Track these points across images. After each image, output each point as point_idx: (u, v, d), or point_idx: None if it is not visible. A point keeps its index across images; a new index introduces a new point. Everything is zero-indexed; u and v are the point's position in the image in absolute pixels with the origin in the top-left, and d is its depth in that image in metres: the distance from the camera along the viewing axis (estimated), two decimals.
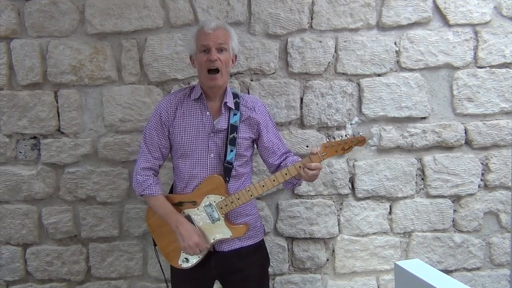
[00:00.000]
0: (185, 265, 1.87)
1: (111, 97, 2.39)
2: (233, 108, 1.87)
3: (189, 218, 1.86)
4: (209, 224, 1.85)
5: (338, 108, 2.43)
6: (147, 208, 1.97)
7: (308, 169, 1.75)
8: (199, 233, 1.83)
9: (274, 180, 1.81)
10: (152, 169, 1.91)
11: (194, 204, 1.85)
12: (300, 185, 2.00)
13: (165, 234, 1.89)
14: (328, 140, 1.83)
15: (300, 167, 1.78)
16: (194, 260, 1.86)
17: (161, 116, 1.87)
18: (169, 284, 2.05)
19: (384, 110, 2.43)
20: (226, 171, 1.85)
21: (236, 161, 1.86)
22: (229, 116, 1.87)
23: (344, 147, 1.81)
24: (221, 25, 1.82)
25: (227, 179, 1.85)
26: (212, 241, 1.86)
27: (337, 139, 1.81)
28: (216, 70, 1.78)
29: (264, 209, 2.46)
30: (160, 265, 2.07)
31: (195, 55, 1.85)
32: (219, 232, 1.85)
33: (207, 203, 1.84)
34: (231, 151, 1.84)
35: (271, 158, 1.96)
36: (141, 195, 1.91)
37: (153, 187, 1.88)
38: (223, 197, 1.83)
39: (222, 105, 1.87)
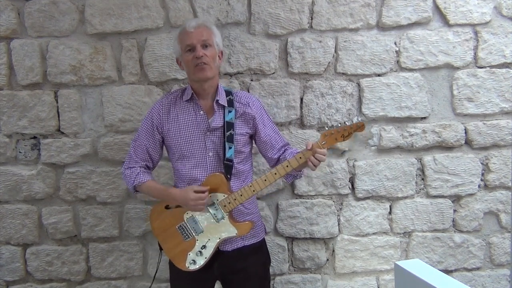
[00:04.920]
0: (193, 267, 1.86)
1: (111, 97, 2.39)
2: (226, 105, 1.87)
3: (193, 218, 1.86)
4: (214, 223, 1.85)
5: (338, 108, 2.43)
6: (150, 212, 1.97)
7: (317, 153, 1.74)
8: (194, 187, 1.82)
9: (275, 173, 1.80)
10: (136, 167, 1.93)
11: None
12: (301, 177, 1.98)
13: (170, 237, 1.89)
14: (326, 128, 1.80)
15: (300, 157, 1.77)
16: (201, 261, 1.85)
17: (152, 119, 1.89)
18: (161, 285, 2.04)
19: (384, 110, 2.43)
20: (227, 168, 1.85)
21: (235, 158, 1.86)
22: (224, 114, 1.87)
23: (343, 134, 1.79)
24: (202, 23, 1.84)
25: (229, 176, 1.85)
26: (218, 240, 1.85)
27: (336, 127, 1.79)
28: (204, 64, 1.78)
29: (264, 209, 2.46)
30: (157, 269, 2.06)
31: (181, 56, 1.85)
32: (224, 231, 1.85)
33: (210, 202, 1.84)
34: (230, 148, 1.84)
35: (269, 152, 1.96)
36: (134, 188, 1.92)
37: (141, 175, 1.90)
38: (226, 195, 1.83)
39: (214, 103, 1.87)
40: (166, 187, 1.93)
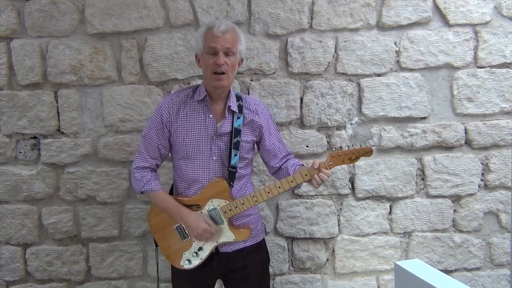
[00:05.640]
0: (187, 266, 1.86)
1: (111, 97, 2.39)
2: (237, 111, 1.86)
3: None
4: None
5: (338, 108, 2.43)
6: (149, 209, 1.96)
7: (321, 173, 1.77)
8: (205, 218, 1.82)
9: (279, 187, 1.80)
10: (148, 168, 1.90)
11: (198, 207, 1.85)
12: (300, 187, 2.01)
13: (167, 236, 1.89)
14: (334, 149, 1.82)
15: (306, 175, 1.78)
16: (196, 261, 1.86)
17: (162, 116, 1.86)
18: (160, 285, 2.04)
19: (384, 110, 2.43)
20: (230, 175, 1.84)
21: (238, 164, 1.86)
22: (232, 120, 1.86)
23: (351, 157, 1.81)
24: (231, 28, 1.80)
25: (231, 183, 1.85)
26: (215, 244, 1.85)
27: (344, 148, 1.80)
28: (222, 73, 1.77)
29: (264, 209, 2.46)
30: (157, 266, 2.06)
31: (201, 55, 1.83)
32: (222, 236, 1.85)
33: (211, 207, 1.84)
34: (235, 155, 1.84)
35: (272, 161, 1.96)
36: (142, 192, 1.90)
37: (152, 183, 1.88)
38: (227, 202, 1.83)
39: (226, 109, 1.86)
40: (177, 204, 1.86)
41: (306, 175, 1.78)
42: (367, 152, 1.82)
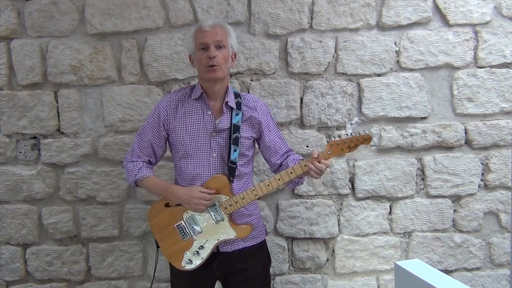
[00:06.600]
0: (189, 267, 1.85)
1: (111, 97, 2.39)
2: (235, 107, 1.87)
3: (192, 218, 1.86)
4: (213, 225, 1.85)
5: (338, 108, 2.43)
6: (150, 209, 1.96)
7: (318, 162, 1.76)
8: (199, 187, 1.82)
9: (279, 179, 1.81)
10: (140, 161, 1.91)
11: None
12: (302, 183, 2.00)
13: (168, 236, 1.88)
14: (333, 138, 1.82)
15: (305, 165, 1.78)
16: (197, 261, 1.85)
17: (159, 114, 1.87)
18: (160, 285, 2.03)
19: (384, 110, 2.43)
20: (230, 170, 1.85)
21: (238, 161, 1.86)
22: (231, 116, 1.86)
23: (350, 145, 1.80)
24: (219, 23, 1.83)
25: (231, 179, 1.85)
26: (216, 241, 1.85)
27: (343, 137, 1.80)
28: (215, 66, 1.78)
29: (264, 209, 2.46)
30: (155, 267, 2.05)
31: (194, 54, 1.85)
32: (223, 233, 1.85)
33: (211, 203, 1.84)
34: (235, 151, 1.84)
35: (273, 158, 1.96)
36: (135, 182, 1.90)
37: (144, 169, 1.89)
38: (228, 197, 1.83)
39: (224, 104, 1.86)
40: (169, 184, 1.92)
41: (305, 165, 1.78)
42: (366, 140, 1.81)
